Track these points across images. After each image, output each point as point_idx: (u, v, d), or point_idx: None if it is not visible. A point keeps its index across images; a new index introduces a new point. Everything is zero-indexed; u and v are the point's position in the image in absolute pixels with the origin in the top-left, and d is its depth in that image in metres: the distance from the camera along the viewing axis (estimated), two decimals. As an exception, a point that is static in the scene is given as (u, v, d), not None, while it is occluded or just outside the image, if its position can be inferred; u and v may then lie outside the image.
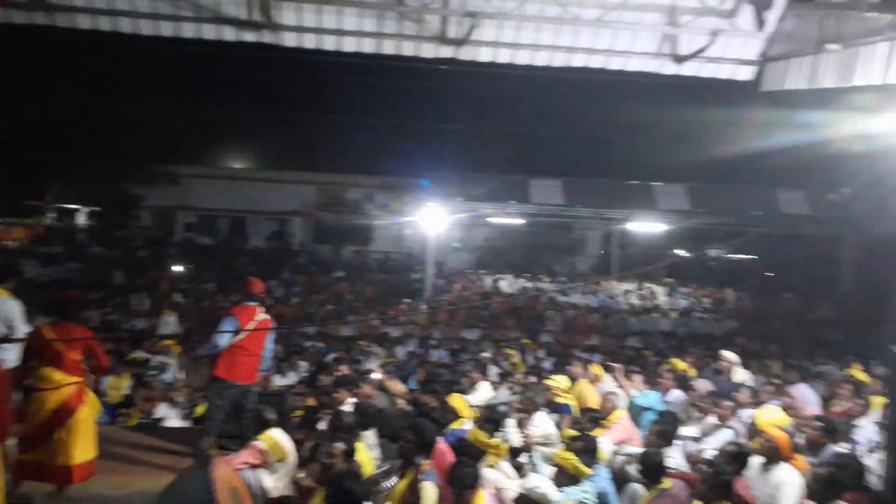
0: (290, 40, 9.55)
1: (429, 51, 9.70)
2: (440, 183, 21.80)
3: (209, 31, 9.36)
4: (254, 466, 5.26)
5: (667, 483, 4.80)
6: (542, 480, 4.42)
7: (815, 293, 23.51)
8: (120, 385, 9.28)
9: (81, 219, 31.95)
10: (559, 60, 9.93)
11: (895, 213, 19.64)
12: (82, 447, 5.28)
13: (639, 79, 10.44)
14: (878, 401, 7.57)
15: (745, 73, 9.85)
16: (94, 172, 27.84)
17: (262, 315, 6.76)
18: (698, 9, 9.04)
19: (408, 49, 9.73)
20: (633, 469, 5.36)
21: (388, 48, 9.73)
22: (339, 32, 9.47)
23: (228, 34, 9.38)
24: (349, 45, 9.64)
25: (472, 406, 6.59)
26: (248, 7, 9.05)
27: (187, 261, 25.67)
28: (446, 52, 9.68)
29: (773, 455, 5.23)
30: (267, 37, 9.47)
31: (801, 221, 21.04)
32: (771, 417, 5.79)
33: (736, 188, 22.30)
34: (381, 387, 7.26)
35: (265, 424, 5.54)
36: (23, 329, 5.92)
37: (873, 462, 5.64)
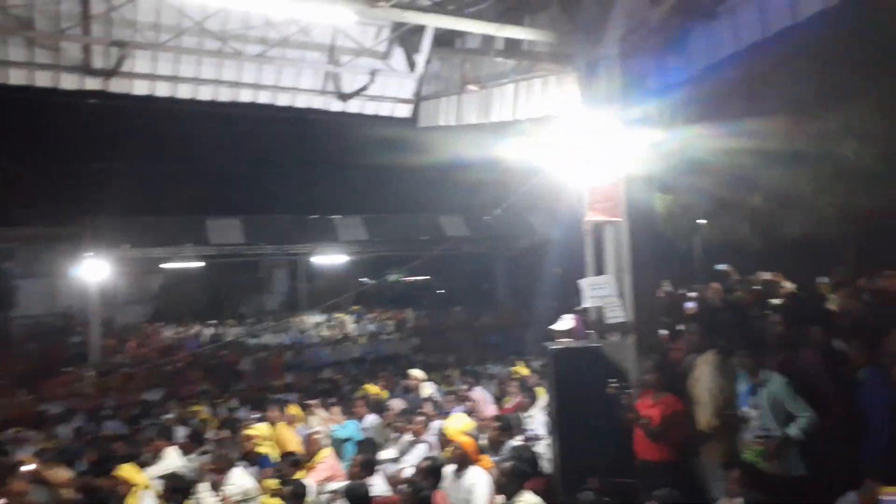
0: None
1: (70, 82, 8.65)
2: (101, 229, 19.47)
3: None
4: None
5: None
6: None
7: (478, 304, 26.60)
8: None
9: None
10: (224, 95, 9.69)
11: (531, 228, 23.42)
12: None
13: (309, 115, 10.70)
14: (542, 391, 8.75)
15: (403, 111, 10.74)
16: None
17: None
18: (356, 49, 9.58)
19: (43, 80, 8.53)
20: (338, 505, 5.31)
21: (17, 78, 8.39)
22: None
23: None
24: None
25: (155, 477, 5.85)
26: None
27: None
28: (93, 83, 8.75)
29: (463, 460, 5.64)
30: None
31: (461, 242, 23.69)
32: (457, 425, 6.26)
33: (406, 216, 24.23)
34: (37, 478, 6.01)
35: None
36: None
37: (543, 448, 6.44)
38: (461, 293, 28.96)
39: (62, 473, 6.28)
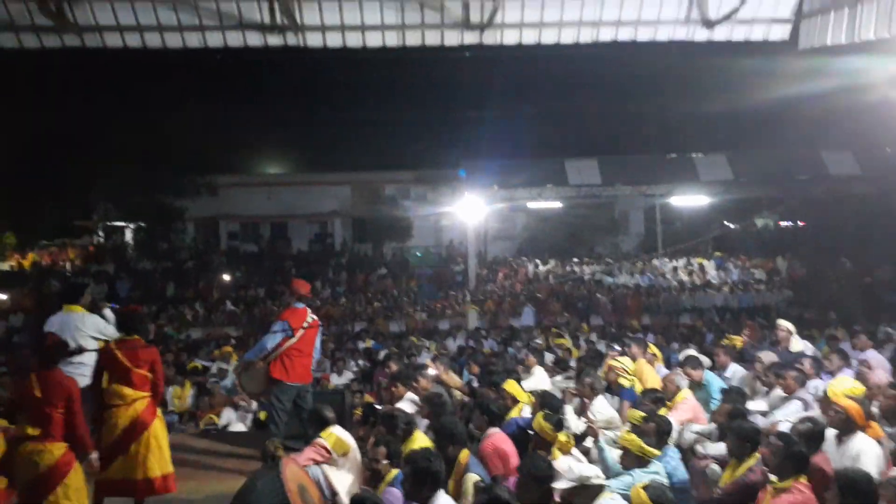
0: (314, 40, 9.55)
1: (453, 38, 9.61)
2: (475, 172, 21.68)
3: (234, 39, 9.42)
4: (319, 463, 5.32)
5: (752, 459, 4.65)
6: (590, 469, 4.33)
7: (871, 255, 22.70)
8: (183, 395, 9.52)
9: (128, 235, 32.81)
10: (586, 36, 9.76)
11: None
12: (160, 460, 5.36)
13: (669, 48, 10.23)
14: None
15: (779, 33, 9.56)
16: (136, 188, 28.57)
17: (311, 316, 6.82)
18: (725, -30, 8.76)
19: (431, 38, 9.65)
20: (703, 448, 5.25)
21: (412, 39, 9.66)
22: (362, 28, 9.45)
23: (254, 40, 9.44)
24: (373, 39, 9.61)
25: (528, 391, 6.53)
26: (271, 11, 9.08)
27: (234, 268, 26.16)
28: (471, 37, 9.59)
29: (847, 426, 5.05)
30: (291, 39, 9.50)
31: (850, 181, 20.30)
32: (843, 388, 5.60)
33: (779, 153, 21.65)
34: (437, 380, 7.26)
35: (325, 422, 5.58)
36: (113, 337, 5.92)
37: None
38: (848, 242, 24.99)
39: (456, 379, 7.46)
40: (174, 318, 19.59)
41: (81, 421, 4.87)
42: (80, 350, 5.54)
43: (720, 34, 9.63)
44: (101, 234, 33.14)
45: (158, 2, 8.91)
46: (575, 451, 4.94)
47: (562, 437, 4.93)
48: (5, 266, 29.72)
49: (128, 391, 5.31)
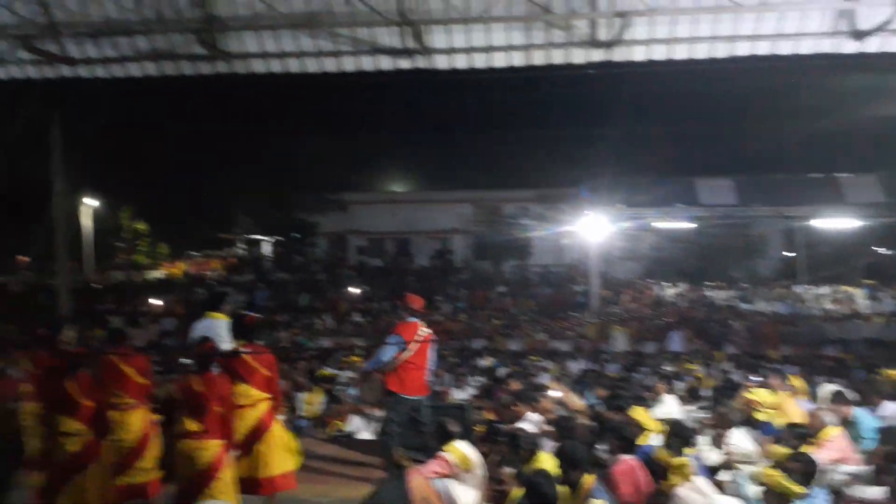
0: (442, 62, 9.81)
1: (579, 56, 9.52)
2: (599, 190, 21.27)
3: (368, 63, 9.90)
4: (443, 476, 5.36)
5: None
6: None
7: None
8: (314, 401, 9.97)
9: (266, 248, 35.06)
10: (721, 51, 9.37)
11: None
12: (281, 459, 5.62)
13: (811, 61, 9.57)
14: None
15: (939, 42, 8.70)
16: (274, 205, 30.58)
17: (424, 330, 6.90)
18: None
19: (558, 57, 9.61)
20: (855, 491, 4.80)
21: (538, 59, 9.66)
22: (489, 49, 9.57)
23: (385, 63, 9.86)
24: (499, 60, 9.72)
25: (657, 420, 6.26)
26: (402, 35, 9.43)
27: (361, 282, 27.19)
28: (597, 55, 9.46)
29: None
30: (421, 62, 9.81)
31: None
32: None
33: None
34: (559, 402, 7.13)
35: (449, 436, 5.61)
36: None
37: None
38: None
39: (579, 401, 7.29)
40: (307, 327, 20.58)
41: (231, 420, 5.23)
42: (235, 353, 5.87)
43: (871, 46, 8.92)
44: (241, 246, 35.70)
45: (299, 29, 9.54)
46: (704, 482, 4.65)
47: (676, 462, 4.69)
48: (159, 274, 32.73)
49: (254, 392, 5.61)
